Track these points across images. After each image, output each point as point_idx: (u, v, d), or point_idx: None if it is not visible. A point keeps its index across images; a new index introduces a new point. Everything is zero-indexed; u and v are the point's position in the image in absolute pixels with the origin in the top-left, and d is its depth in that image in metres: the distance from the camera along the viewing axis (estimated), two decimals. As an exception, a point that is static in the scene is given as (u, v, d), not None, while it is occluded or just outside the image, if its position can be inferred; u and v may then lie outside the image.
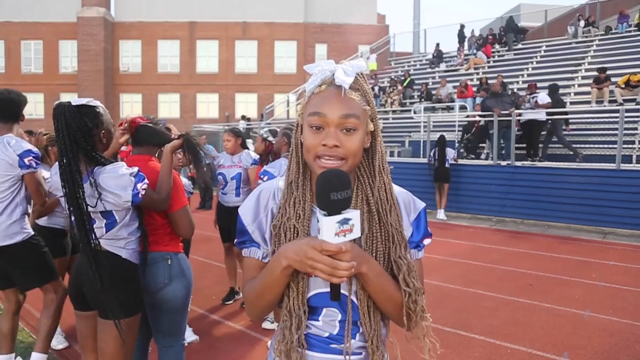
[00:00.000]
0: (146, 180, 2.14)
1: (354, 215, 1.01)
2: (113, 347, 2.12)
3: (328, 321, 1.17)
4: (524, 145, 10.77)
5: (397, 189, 1.25)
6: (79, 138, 1.98)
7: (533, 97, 10.55)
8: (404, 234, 1.19)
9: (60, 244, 3.55)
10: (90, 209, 1.99)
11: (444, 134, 10.75)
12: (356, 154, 1.11)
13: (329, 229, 0.99)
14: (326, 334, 1.18)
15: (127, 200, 2.05)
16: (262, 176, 3.70)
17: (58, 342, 3.68)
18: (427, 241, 1.26)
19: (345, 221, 1.00)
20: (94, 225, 2.08)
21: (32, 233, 3.03)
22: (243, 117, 19.02)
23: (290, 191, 1.19)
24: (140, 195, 2.07)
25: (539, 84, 12.55)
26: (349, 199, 1.02)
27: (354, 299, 1.15)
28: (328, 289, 1.10)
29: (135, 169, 2.11)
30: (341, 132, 1.09)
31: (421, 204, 1.27)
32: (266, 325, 4.18)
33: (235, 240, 1.28)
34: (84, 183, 1.99)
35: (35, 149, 2.95)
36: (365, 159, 1.21)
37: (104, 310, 2.11)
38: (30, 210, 3.09)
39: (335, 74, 1.11)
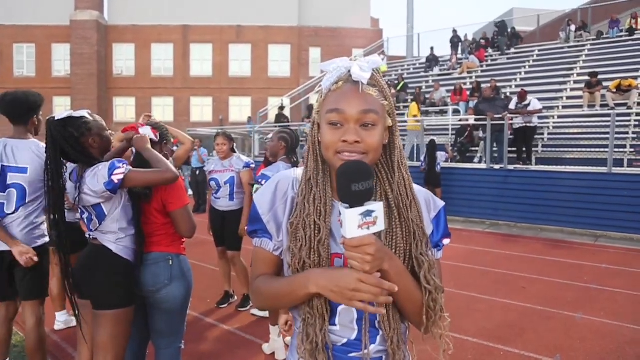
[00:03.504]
0: (122, 165, 2.22)
1: (377, 207, 0.97)
2: (105, 338, 2.26)
3: (346, 323, 1.15)
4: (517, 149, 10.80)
5: (416, 187, 1.22)
6: (65, 147, 2.22)
7: (525, 107, 10.57)
8: (426, 230, 1.17)
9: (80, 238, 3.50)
10: (85, 203, 2.26)
11: (440, 137, 10.75)
12: (377, 149, 1.10)
13: (351, 221, 0.95)
14: (344, 340, 1.15)
15: (102, 190, 2.20)
16: (260, 180, 3.70)
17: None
18: (446, 241, 1.24)
19: (369, 213, 0.96)
20: (88, 220, 2.32)
21: (48, 241, 3.00)
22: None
23: (309, 187, 1.16)
24: (116, 180, 2.19)
25: (531, 89, 12.61)
26: (371, 190, 0.98)
27: None
28: None
29: (112, 161, 2.24)
30: (361, 128, 1.08)
31: (441, 203, 1.25)
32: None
33: (247, 228, 1.25)
34: (73, 183, 2.24)
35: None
36: (384, 155, 1.18)
37: (95, 301, 2.26)
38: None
39: (352, 70, 1.09)
